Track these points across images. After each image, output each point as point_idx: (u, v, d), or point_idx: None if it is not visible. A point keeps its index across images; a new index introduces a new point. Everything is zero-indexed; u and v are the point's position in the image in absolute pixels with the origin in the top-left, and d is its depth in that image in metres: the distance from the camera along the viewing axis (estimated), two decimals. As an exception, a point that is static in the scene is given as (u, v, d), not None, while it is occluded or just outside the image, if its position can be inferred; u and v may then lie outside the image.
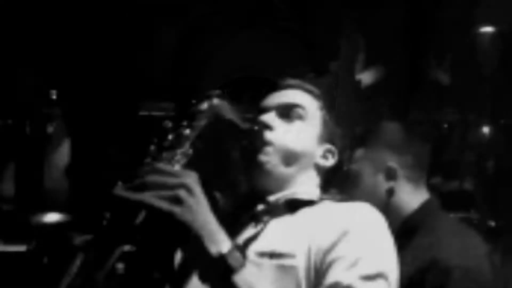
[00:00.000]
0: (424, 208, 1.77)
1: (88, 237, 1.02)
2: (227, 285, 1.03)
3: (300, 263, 1.17)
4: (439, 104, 3.87)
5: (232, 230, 1.10)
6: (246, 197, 1.35)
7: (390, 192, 1.78)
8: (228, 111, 1.22)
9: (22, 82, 3.62)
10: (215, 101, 1.19)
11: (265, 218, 1.29)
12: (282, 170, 1.33)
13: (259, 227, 1.28)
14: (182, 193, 1.01)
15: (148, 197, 0.99)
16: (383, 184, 1.78)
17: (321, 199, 1.35)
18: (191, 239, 1.04)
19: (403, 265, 1.55)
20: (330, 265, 1.15)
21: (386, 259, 1.19)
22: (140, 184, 1.00)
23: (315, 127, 1.39)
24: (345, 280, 1.11)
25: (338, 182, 1.67)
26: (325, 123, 1.40)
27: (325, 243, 1.17)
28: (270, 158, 1.31)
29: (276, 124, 1.35)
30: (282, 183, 1.33)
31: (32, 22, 3.39)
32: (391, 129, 1.85)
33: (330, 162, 1.39)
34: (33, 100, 3.77)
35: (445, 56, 3.82)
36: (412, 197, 1.79)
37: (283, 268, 1.18)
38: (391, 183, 1.78)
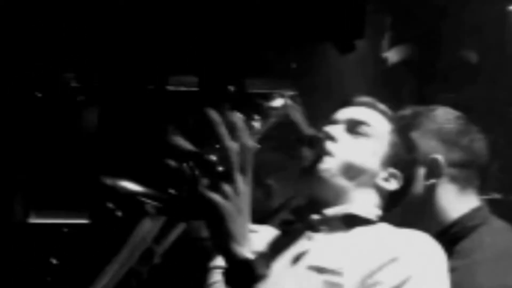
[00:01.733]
0: (468, 218, 1.49)
1: (159, 204, 1.05)
2: None
3: (347, 282, 1.19)
4: (466, 83, 3.85)
5: (286, 239, 1.11)
6: (303, 206, 1.37)
7: (430, 190, 1.52)
8: (297, 114, 1.24)
9: (51, 56, 3.64)
10: (288, 101, 1.21)
11: (320, 229, 1.30)
12: (340, 181, 1.32)
13: (313, 239, 1.30)
14: (228, 188, 1.03)
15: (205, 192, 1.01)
16: (422, 180, 1.52)
17: (378, 221, 1.35)
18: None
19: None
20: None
21: None
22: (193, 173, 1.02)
23: (381, 147, 1.38)
24: None
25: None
26: (393, 146, 1.39)
27: (371, 266, 1.18)
28: (329, 167, 1.32)
29: (341, 137, 1.36)
30: (338, 195, 1.33)
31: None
32: (446, 117, 1.59)
33: (393, 186, 1.38)
34: (61, 74, 3.79)
35: (473, 34, 3.79)
36: (456, 202, 1.51)
37: (329, 285, 1.19)
38: (433, 180, 1.52)
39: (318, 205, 1.32)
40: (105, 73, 3.76)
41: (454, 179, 1.53)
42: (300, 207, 1.37)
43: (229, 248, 1.03)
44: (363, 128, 1.36)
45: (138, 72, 3.79)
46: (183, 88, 4.12)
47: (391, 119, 1.41)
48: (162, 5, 3.58)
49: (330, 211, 1.30)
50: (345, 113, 1.41)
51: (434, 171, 1.52)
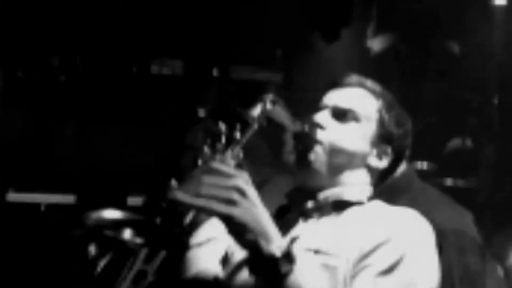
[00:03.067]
0: (405, 175, 1.71)
1: (140, 239, 1.05)
2: (275, 286, 1.06)
3: (341, 264, 1.21)
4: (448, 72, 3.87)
5: (281, 224, 1.12)
6: (297, 192, 1.37)
7: None
8: (280, 115, 1.24)
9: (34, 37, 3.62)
10: (268, 105, 1.21)
11: (314, 215, 1.32)
12: (331, 168, 1.33)
13: (308, 224, 1.32)
14: (235, 195, 1.04)
15: (207, 202, 1.02)
16: None
17: (370, 198, 1.36)
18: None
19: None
20: (360, 270, 1.19)
21: (419, 277, 1.21)
22: (195, 184, 1.03)
23: (370, 128, 1.38)
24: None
25: None
26: (381, 124, 1.39)
27: (364, 248, 1.21)
28: (318, 157, 1.32)
29: (328, 124, 1.36)
30: (331, 181, 1.34)
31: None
32: None
33: (384, 163, 1.39)
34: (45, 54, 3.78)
35: (457, 26, 3.81)
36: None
37: (325, 267, 1.21)
38: None
39: (311, 191, 1.33)
40: (87, 54, 3.74)
41: None
42: (293, 194, 1.38)
43: (257, 246, 1.05)
44: (349, 115, 1.36)
45: (121, 54, 3.77)
46: (166, 71, 4.10)
47: (379, 96, 1.41)
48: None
49: (322, 196, 1.32)
50: (331, 98, 1.41)
51: None
